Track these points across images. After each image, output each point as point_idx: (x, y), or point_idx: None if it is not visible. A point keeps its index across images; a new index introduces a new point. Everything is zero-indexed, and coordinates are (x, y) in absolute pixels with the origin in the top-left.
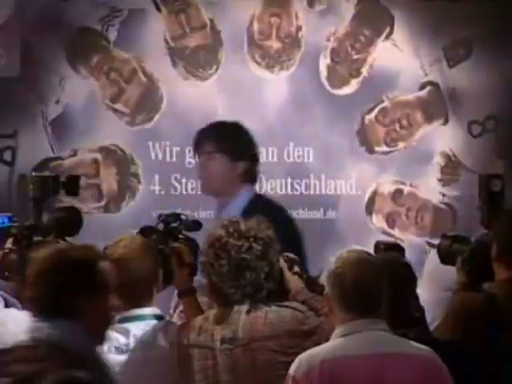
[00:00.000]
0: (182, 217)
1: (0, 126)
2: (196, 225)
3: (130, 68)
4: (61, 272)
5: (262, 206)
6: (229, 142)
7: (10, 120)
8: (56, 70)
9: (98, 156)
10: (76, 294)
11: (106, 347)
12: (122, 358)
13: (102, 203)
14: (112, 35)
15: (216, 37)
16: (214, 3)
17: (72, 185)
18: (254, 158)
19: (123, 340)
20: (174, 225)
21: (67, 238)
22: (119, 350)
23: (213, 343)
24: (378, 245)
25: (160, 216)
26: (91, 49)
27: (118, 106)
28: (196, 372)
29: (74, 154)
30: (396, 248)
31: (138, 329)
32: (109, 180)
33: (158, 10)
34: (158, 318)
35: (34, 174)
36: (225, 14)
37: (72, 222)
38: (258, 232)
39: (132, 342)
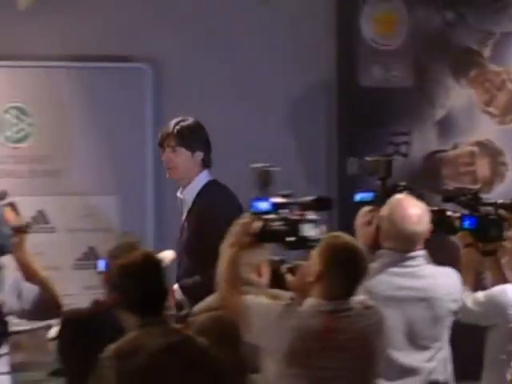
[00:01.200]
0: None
1: (398, 125)
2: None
3: (500, 79)
4: None
5: (211, 190)
6: (187, 138)
7: (405, 120)
8: (442, 81)
9: (475, 149)
10: None
11: None
12: None
13: (477, 186)
14: (487, 53)
15: None
16: None
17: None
18: (208, 148)
19: None
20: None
21: None
22: None
23: None
24: None
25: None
26: (470, 64)
27: (491, 109)
28: None
29: (455, 147)
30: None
31: None
32: (483, 168)
33: None
34: None
35: (367, 159)
36: None
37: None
38: None
39: None
